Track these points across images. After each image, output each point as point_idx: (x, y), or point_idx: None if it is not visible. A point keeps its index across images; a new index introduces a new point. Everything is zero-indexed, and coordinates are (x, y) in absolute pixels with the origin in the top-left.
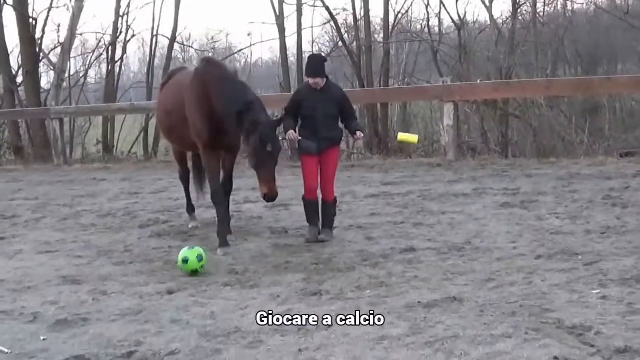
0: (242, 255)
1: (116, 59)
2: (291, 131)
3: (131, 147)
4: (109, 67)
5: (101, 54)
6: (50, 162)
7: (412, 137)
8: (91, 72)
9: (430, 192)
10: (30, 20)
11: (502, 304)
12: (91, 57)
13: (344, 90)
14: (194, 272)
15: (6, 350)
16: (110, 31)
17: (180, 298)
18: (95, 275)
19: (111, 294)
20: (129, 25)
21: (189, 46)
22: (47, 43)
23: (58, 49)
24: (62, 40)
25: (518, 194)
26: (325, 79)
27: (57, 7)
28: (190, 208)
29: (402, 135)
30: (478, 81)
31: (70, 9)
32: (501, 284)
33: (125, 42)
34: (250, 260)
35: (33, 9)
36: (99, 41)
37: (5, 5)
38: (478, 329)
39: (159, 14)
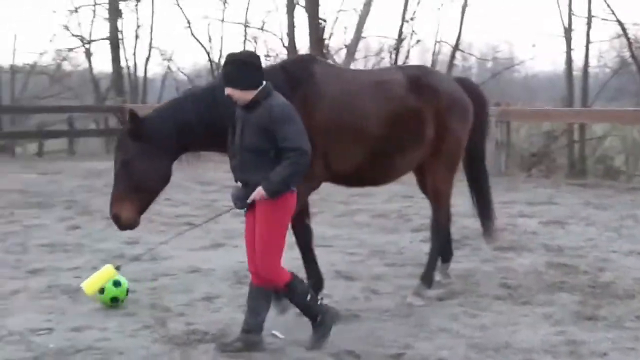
0: (516, 269)
1: (398, 64)
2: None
3: None
4: None
5: (383, 58)
6: None
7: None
8: None
9: None
10: (320, 22)
11: None
12: (375, 60)
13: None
14: (113, 300)
15: (280, 336)
16: (394, 36)
17: (450, 306)
18: (368, 273)
19: (383, 294)
20: (414, 31)
21: (470, 54)
22: (333, 45)
23: (343, 51)
24: (347, 42)
25: None
26: (253, 91)
27: (346, 10)
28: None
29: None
30: None
31: (358, 13)
32: None
33: (409, 48)
34: (523, 276)
35: (323, 11)
36: (383, 45)
37: (297, 6)
38: None
39: (444, 21)
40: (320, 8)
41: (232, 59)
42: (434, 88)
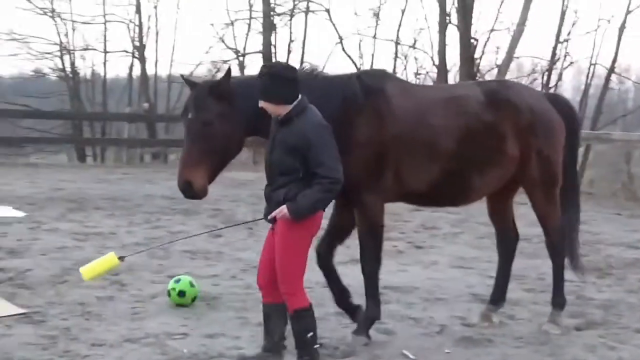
0: None
1: (550, 85)
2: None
3: None
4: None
5: (535, 79)
6: None
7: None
8: None
9: None
10: (472, 41)
11: None
12: (526, 81)
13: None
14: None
15: (412, 357)
16: (547, 57)
17: (588, 337)
18: (506, 298)
19: (519, 319)
20: (568, 53)
21: (627, 78)
22: (484, 64)
23: (494, 71)
24: (499, 62)
25: None
26: (287, 106)
27: (499, 30)
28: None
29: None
30: None
31: (511, 33)
32: None
33: (562, 69)
34: None
35: (475, 30)
36: (536, 66)
37: (449, 25)
38: None
39: (600, 43)
40: (472, 27)
41: (268, 71)
42: (512, 103)
